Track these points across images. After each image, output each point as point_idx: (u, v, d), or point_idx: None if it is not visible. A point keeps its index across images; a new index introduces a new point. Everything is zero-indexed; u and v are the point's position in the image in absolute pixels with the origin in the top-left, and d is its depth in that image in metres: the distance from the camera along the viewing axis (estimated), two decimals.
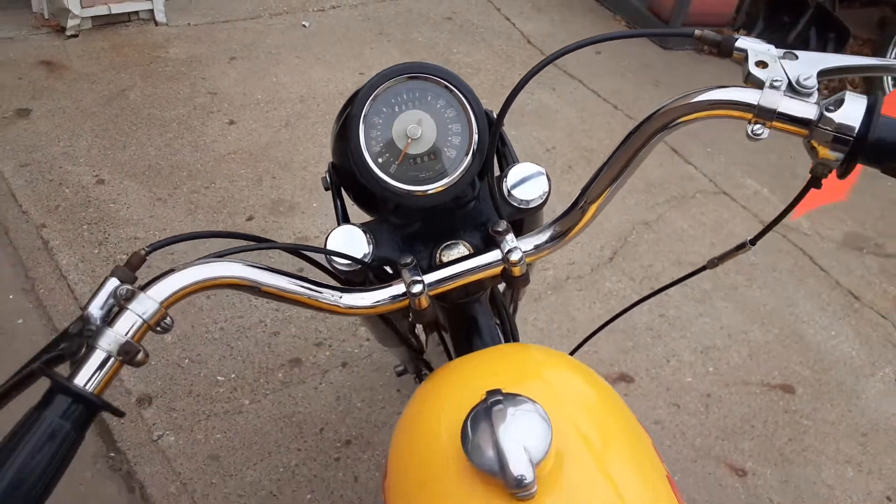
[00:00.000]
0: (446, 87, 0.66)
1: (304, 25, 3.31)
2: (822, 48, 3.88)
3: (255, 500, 1.52)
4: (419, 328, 1.23)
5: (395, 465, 0.61)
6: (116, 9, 2.96)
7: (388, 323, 0.90)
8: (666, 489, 0.56)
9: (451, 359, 0.80)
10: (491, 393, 0.54)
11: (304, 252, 0.69)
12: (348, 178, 0.78)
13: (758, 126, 0.54)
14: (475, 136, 0.66)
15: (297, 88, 2.86)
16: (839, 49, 3.84)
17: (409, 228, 0.72)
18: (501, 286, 0.92)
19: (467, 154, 0.66)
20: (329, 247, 0.69)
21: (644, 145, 0.60)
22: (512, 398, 0.53)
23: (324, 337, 1.89)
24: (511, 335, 0.82)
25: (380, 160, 0.65)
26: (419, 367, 1.44)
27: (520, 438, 0.50)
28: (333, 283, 0.67)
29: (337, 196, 0.79)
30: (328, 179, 0.80)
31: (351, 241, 0.68)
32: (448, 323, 0.79)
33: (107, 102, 2.60)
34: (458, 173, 0.66)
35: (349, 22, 3.43)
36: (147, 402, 1.65)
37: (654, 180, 2.68)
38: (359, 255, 0.68)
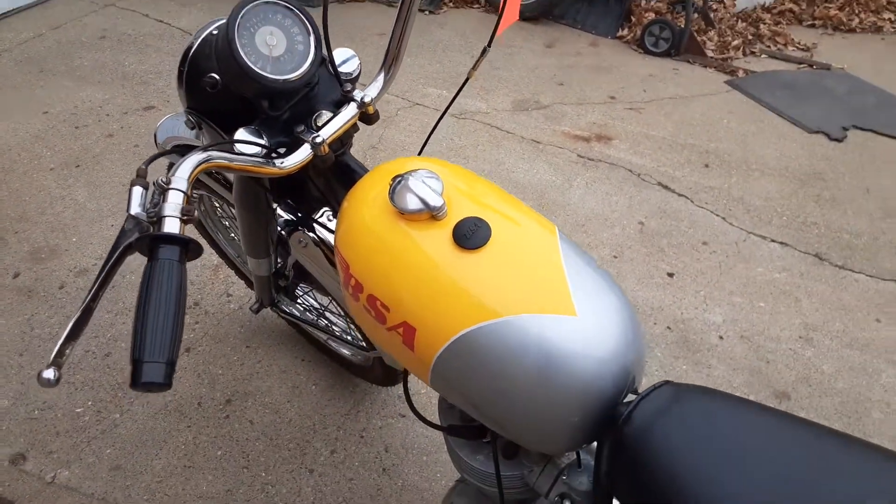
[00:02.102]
0: (286, 8, 0.94)
1: None
2: None
3: (174, 479, 1.66)
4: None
5: (353, 255, 0.90)
6: None
7: (263, 231, 1.17)
8: (513, 197, 0.94)
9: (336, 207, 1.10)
10: (395, 177, 0.87)
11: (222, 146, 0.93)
12: (210, 109, 1.01)
13: None
14: (312, 35, 0.96)
15: None
16: None
17: (283, 116, 0.99)
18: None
19: (311, 48, 0.96)
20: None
21: (410, 6, 0.96)
22: (409, 173, 0.87)
23: None
24: None
25: (258, 64, 0.92)
26: (273, 296, 1.68)
27: (427, 186, 0.84)
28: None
29: (205, 124, 1.02)
30: (192, 121, 1.03)
31: (249, 138, 0.94)
32: (335, 174, 1.08)
33: None
34: (310, 60, 0.95)
35: (2, 70, 3.24)
36: (21, 459, 1.66)
37: None
38: (268, 143, 0.95)
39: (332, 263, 1.36)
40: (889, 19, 4.50)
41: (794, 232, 2.57)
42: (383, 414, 1.83)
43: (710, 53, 3.92)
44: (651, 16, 4.09)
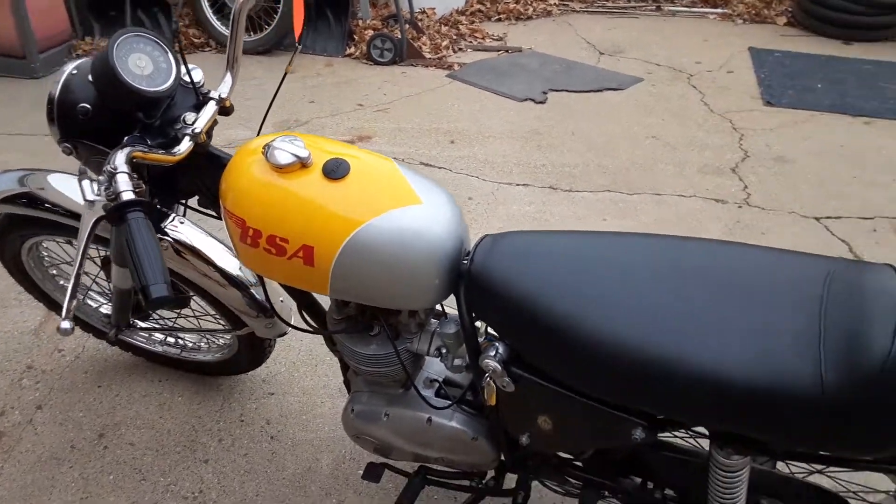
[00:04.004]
0: (146, 38, 1.18)
1: None
2: (156, 23, 4.68)
3: None
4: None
5: (246, 212, 1.15)
6: None
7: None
8: (354, 146, 1.27)
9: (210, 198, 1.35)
10: (265, 145, 1.17)
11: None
12: (85, 133, 1.22)
13: None
14: (171, 57, 1.21)
15: None
16: (169, 16, 4.71)
17: (156, 123, 1.22)
18: None
19: (172, 65, 1.21)
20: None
21: (238, 22, 1.26)
22: (275, 139, 1.16)
23: (0, 407, 2.00)
24: None
25: (136, 82, 1.15)
26: (129, 316, 1.82)
27: (294, 145, 1.15)
28: None
29: (83, 146, 1.22)
30: (69, 148, 1.23)
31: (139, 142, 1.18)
32: (206, 163, 1.33)
33: None
34: (173, 74, 1.20)
35: None
36: None
37: None
38: (151, 144, 1.18)
39: (181, 255, 1.59)
40: (555, 4, 5.55)
41: (529, 175, 3.21)
42: (254, 397, 2.05)
43: (427, 55, 4.56)
44: (371, 32, 4.63)
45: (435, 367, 1.47)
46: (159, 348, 2.08)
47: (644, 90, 4.13)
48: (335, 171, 1.14)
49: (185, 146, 1.21)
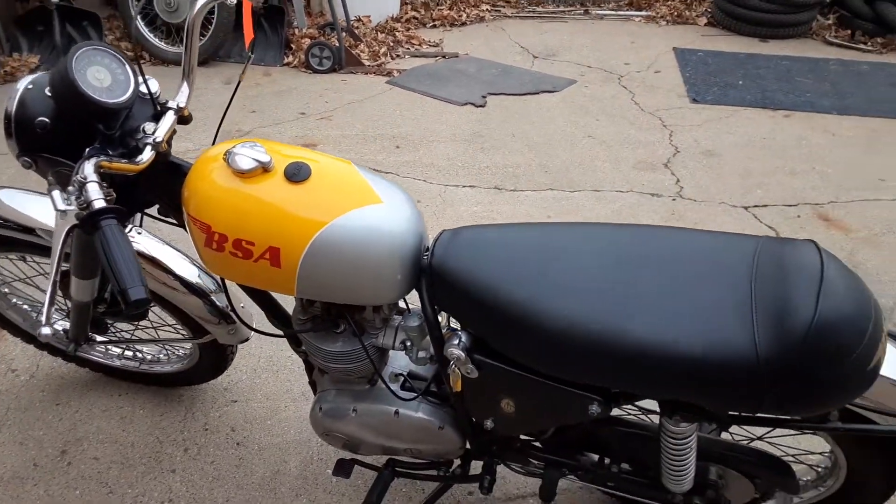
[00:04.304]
0: (104, 51, 1.20)
1: None
2: (86, 36, 4.59)
3: None
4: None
5: (211, 217, 1.19)
6: None
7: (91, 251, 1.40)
8: (312, 150, 1.32)
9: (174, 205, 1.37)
10: (226, 152, 1.21)
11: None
12: (44, 147, 1.23)
13: None
14: (129, 70, 1.24)
15: None
16: (99, 30, 4.62)
17: (116, 134, 1.24)
18: None
19: (130, 77, 1.23)
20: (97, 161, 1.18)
21: (192, 32, 1.29)
22: (234, 148, 1.21)
23: None
24: None
25: (96, 95, 1.17)
26: (87, 331, 1.82)
27: (255, 150, 1.19)
28: None
29: (43, 159, 1.24)
30: (28, 161, 1.24)
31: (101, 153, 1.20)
32: (166, 173, 1.35)
33: None
34: (131, 87, 1.22)
35: None
36: None
37: None
38: (112, 154, 1.21)
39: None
40: (487, 10, 5.69)
41: (475, 176, 3.31)
42: (217, 405, 2.07)
43: (366, 62, 4.61)
44: (308, 41, 4.65)
45: (399, 363, 1.53)
46: (117, 362, 2.08)
47: (578, 91, 4.29)
48: (297, 174, 1.19)
49: (147, 155, 1.23)
